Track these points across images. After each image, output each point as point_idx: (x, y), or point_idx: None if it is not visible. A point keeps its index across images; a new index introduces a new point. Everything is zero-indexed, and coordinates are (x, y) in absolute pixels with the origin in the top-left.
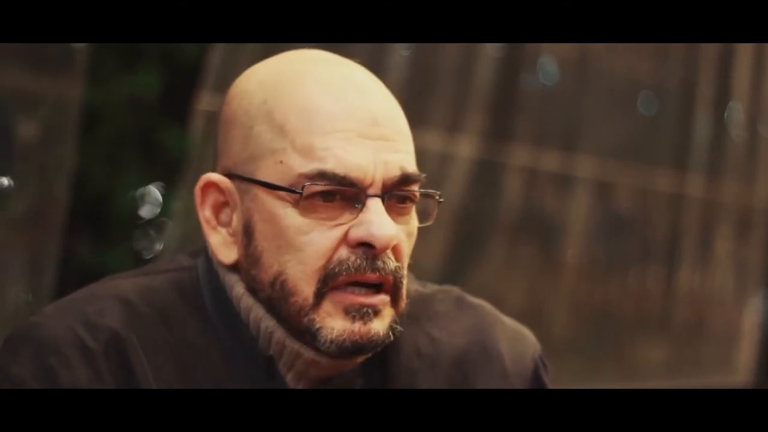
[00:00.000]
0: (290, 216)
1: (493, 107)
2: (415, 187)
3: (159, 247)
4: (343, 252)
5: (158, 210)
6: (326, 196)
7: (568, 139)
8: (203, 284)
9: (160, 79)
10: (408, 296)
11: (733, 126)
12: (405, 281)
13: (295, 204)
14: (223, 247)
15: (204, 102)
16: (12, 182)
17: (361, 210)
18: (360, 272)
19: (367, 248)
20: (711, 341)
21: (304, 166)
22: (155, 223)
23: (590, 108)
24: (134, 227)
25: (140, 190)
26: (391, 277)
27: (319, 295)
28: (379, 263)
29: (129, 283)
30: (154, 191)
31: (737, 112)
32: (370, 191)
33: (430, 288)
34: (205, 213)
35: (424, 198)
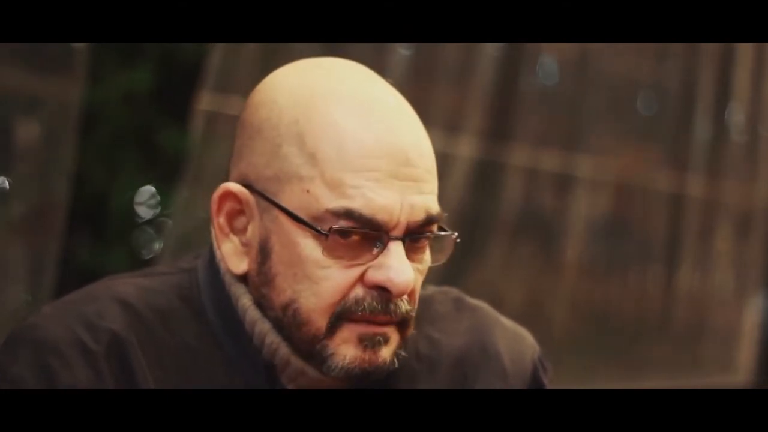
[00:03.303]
0: (310, 248)
1: (493, 107)
2: (435, 227)
3: (158, 246)
4: (359, 291)
5: (157, 210)
6: (346, 234)
7: (568, 139)
8: (204, 288)
9: (153, 76)
10: None
11: (733, 126)
12: (414, 316)
13: (317, 238)
14: (234, 256)
15: (204, 102)
16: (12, 182)
17: (381, 251)
18: (374, 314)
19: (383, 291)
20: (711, 341)
21: (331, 201)
22: (154, 223)
23: (590, 108)
24: (134, 227)
25: (139, 190)
26: (400, 319)
27: (332, 328)
28: (392, 306)
29: (127, 284)
30: (153, 191)
31: (737, 112)
32: (393, 234)
33: (429, 289)
34: (220, 220)
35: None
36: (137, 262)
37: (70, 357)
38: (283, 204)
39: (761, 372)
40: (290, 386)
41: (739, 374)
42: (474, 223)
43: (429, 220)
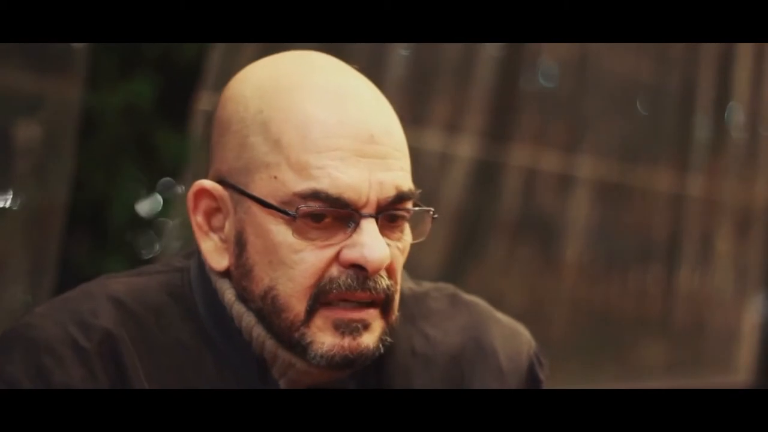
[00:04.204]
0: (282, 233)
1: (493, 107)
2: (410, 204)
3: (157, 250)
4: (334, 271)
5: (156, 213)
6: (318, 217)
7: (568, 139)
8: (195, 286)
9: (152, 80)
10: (402, 295)
11: (733, 126)
12: (397, 296)
13: (288, 222)
14: (215, 253)
15: (204, 102)
16: (12, 182)
17: (354, 230)
18: (351, 291)
19: (359, 269)
20: (711, 341)
21: (298, 184)
22: (153, 226)
23: (590, 108)
24: (132, 230)
25: (138, 194)
26: (382, 295)
27: (311, 312)
28: (371, 283)
29: (121, 283)
30: (154, 192)
31: (737, 112)
32: (364, 211)
33: (425, 286)
34: (198, 219)
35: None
36: (137, 264)
37: (63, 355)
38: (254, 193)
39: (761, 372)
40: (281, 380)
41: (739, 374)
42: (474, 223)
43: (400, 197)
